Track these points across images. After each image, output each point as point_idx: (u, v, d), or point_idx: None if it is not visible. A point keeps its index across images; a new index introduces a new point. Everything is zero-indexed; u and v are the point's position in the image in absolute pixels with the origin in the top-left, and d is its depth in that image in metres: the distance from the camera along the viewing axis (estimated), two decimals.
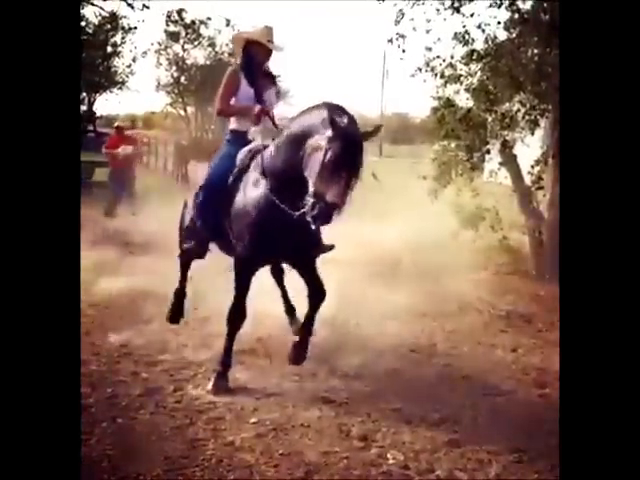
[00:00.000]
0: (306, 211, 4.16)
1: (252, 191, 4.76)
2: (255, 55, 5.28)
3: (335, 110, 4.28)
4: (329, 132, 4.11)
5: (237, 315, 4.87)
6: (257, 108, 5.10)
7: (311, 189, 4.15)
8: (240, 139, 5.21)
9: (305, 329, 5.06)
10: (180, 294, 5.94)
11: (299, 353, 5.05)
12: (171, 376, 5.03)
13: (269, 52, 5.33)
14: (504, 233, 9.66)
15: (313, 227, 4.23)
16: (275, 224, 4.58)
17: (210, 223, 5.08)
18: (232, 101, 5.22)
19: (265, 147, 4.91)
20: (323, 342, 5.52)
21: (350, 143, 4.11)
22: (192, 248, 5.42)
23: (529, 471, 3.85)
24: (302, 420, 4.41)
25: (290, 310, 6.00)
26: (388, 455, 4.01)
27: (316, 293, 4.95)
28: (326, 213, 4.10)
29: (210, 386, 4.78)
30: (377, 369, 5.29)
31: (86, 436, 4.01)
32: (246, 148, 5.07)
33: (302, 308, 5.16)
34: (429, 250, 9.52)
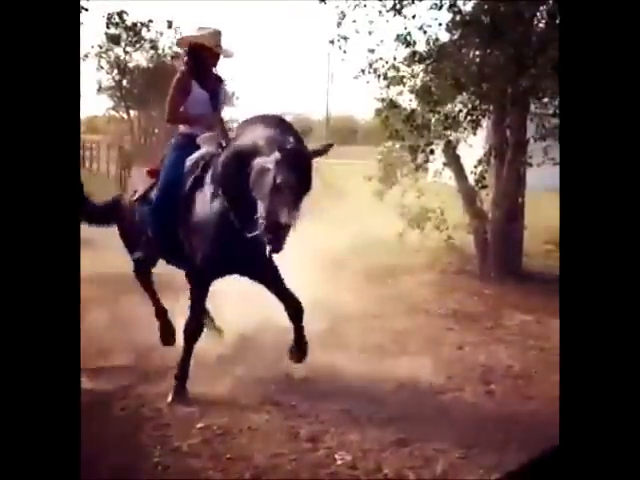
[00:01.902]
0: (260, 234, 4.14)
1: (210, 203, 4.66)
2: (203, 59, 5.14)
3: (280, 129, 4.26)
4: (276, 155, 4.04)
5: (195, 327, 4.78)
6: (212, 118, 5.07)
7: (262, 211, 4.11)
8: (189, 144, 5.04)
9: (298, 339, 4.98)
10: (160, 313, 5.63)
11: (299, 355, 5.04)
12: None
13: (217, 56, 5.20)
14: (449, 233, 9.77)
15: (268, 250, 4.17)
16: (232, 237, 4.50)
17: (163, 233, 4.92)
18: (182, 107, 5.08)
19: (214, 155, 4.81)
20: (272, 344, 5.49)
21: (299, 166, 4.07)
22: (142, 258, 5.23)
23: (475, 467, 3.88)
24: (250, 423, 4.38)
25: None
26: (336, 456, 4.01)
27: (292, 307, 4.90)
28: (280, 235, 4.07)
29: (169, 398, 4.65)
30: (325, 370, 5.28)
31: None
32: (195, 155, 4.93)
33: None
34: (376, 251, 9.59)
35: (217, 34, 5.15)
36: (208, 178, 4.75)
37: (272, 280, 4.90)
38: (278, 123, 4.37)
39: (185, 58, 5.21)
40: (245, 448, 4.08)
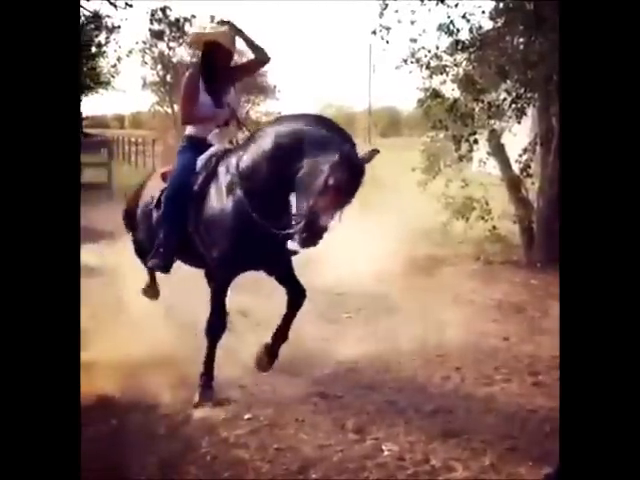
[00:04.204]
0: (295, 232, 4.15)
1: (226, 198, 4.58)
2: (215, 57, 5.01)
3: (336, 132, 4.24)
4: (335, 157, 4.00)
5: (218, 325, 4.71)
6: (224, 115, 4.97)
7: (302, 209, 4.12)
8: (199, 144, 5.00)
9: (280, 333, 4.87)
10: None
11: (268, 359, 4.91)
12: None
13: (230, 54, 5.09)
14: (494, 223, 9.68)
15: (300, 248, 4.25)
16: (251, 232, 4.45)
17: (176, 235, 4.83)
18: (194, 109, 4.97)
19: (228, 151, 4.80)
20: (317, 335, 5.51)
21: (354, 171, 4.06)
22: (158, 265, 5.02)
23: (524, 459, 3.86)
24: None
25: None
26: (383, 447, 4.02)
27: (297, 294, 4.82)
28: (317, 236, 4.12)
29: (196, 399, 4.59)
30: (370, 362, 5.29)
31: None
32: (206, 154, 4.88)
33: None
34: (420, 242, 9.55)
35: (230, 32, 5.01)
36: (222, 172, 4.69)
37: (286, 274, 4.89)
38: (333, 125, 4.35)
39: (197, 58, 5.14)
40: (292, 439, 4.11)
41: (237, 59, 5.23)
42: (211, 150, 4.91)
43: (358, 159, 4.11)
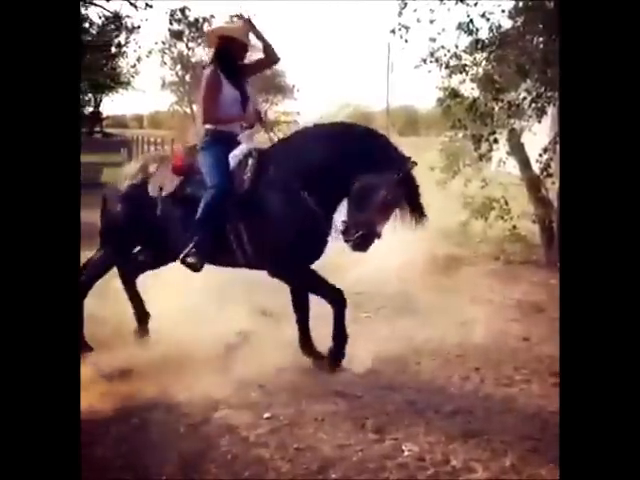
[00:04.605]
0: (348, 238, 4.51)
1: (289, 199, 4.74)
2: (231, 51, 5.04)
3: (392, 147, 4.58)
4: (394, 176, 4.39)
5: (335, 296, 4.91)
6: (249, 116, 5.04)
7: (358, 219, 4.50)
8: (225, 140, 4.99)
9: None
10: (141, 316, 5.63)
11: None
12: None
13: (245, 48, 5.11)
14: (514, 222, 9.63)
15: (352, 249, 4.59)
16: (314, 229, 4.78)
17: (214, 237, 4.83)
18: (218, 107, 4.96)
19: (264, 151, 4.93)
20: None
21: (413, 188, 4.56)
22: (194, 264, 4.91)
23: (545, 460, 3.84)
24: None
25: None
26: (403, 447, 4.02)
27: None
28: (370, 244, 4.55)
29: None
30: (389, 362, 5.29)
31: (100, 436, 4.06)
32: (237, 152, 4.91)
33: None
34: (439, 241, 9.51)
35: (245, 25, 5.04)
36: (272, 172, 4.77)
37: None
38: (387, 141, 4.66)
39: (212, 54, 5.13)
40: (312, 439, 4.12)
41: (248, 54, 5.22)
42: (243, 148, 4.93)
43: (413, 174, 4.52)
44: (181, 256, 4.90)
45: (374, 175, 4.41)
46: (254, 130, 5.06)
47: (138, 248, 5.42)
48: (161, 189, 5.05)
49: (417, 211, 4.67)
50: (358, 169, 4.46)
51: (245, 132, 5.03)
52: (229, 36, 5.02)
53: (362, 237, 4.48)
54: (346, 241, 4.55)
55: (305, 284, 4.99)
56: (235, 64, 5.08)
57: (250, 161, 4.84)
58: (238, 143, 4.98)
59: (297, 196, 4.69)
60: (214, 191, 4.78)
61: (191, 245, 4.85)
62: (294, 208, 4.70)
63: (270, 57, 5.22)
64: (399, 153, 4.56)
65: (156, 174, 5.17)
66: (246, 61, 5.24)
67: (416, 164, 4.57)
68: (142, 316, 5.61)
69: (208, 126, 5.04)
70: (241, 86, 5.06)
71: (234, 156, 4.89)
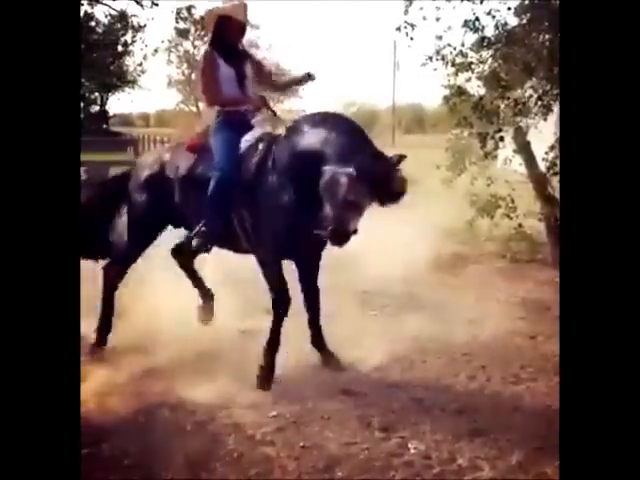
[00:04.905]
0: (324, 235, 4.23)
1: (278, 190, 4.61)
2: (228, 31, 5.03)
3: (355, 138, 4.25)
4: (349, 170, 4.06)
5: (283, 301, 4.78)
6: (254, 100, 5.02)
7: (329, 215, 4.19)
8: (239, 122, 4.97)
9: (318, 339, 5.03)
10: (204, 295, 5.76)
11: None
12: None
13: (243, 28, 5.13)
14: (519, 221, 9.62)
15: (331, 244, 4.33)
16: (298, 224, 4.55)
17: (222, 219, 4.83)
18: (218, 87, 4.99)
19: (273, 138, 4.80)
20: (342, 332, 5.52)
21: (373, 182, 4.10)
22: (201, 245, 4.98)
23: (551, 459, 3.83)
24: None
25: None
26: (409, 445, 4.02)
27: (311, 291, 4.94)
28: (345, 240, 4.21)
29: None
30: (395, 360, 5.29)
31: (107, 434, 4.07)
32: (250, 137, 4.88)
33: None
34: (445, 240, 9.51)
35: (243, 4, 5.06)
36: (270, 164, 4.70)
37: (315, 272, 5.01)
38: (352, 130, 4.35)
39: (210, 34, 5.11)
40: (318, 437, 4.12)
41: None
42: (256, 133, 4.91)
43: (378, 167, 4.10)
44: (188, 238, 4.99)
45: (335, 168, 4.15)
46: (267, 116, 5.03)
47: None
48: (177, 168, 5.12)
49: (391, 201, 4.30)
50: (323, 164, 4.23)
51: (258, 117, 5.00)
52: (227, 16, 5.02)
53: (333, 232, 4.18)
54: (322, 236, 4.29)
55: (267, 276, 4.84)
56: (233, 44, 5.10)
57: (260, 146, 4.80)
58: (251, 127, 4.97)
59: (283, 186, 4.58)
60: (219, 175, 4.80)
61: (198, 227, 4.89)
62: (279, 198, 4.59)
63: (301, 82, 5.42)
64: (363, 144, 4.25)
65: (172, 158, 5.25)
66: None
67: (405, 157, 4.27)
68: (206, 296, 5.72)
69: (217, 107, 5.08)
70: (237, 66, 5.05)
71: (245, 140, 4.88)
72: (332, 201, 4.16)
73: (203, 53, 5.12)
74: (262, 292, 4.96)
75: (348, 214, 4.15)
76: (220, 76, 4.97)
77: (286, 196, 4.56)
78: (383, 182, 4.13)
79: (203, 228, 4.87)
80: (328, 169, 4.18)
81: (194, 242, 4.94)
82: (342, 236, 4.19)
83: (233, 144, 4.88)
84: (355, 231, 4.23)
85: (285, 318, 4.80)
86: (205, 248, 4.97)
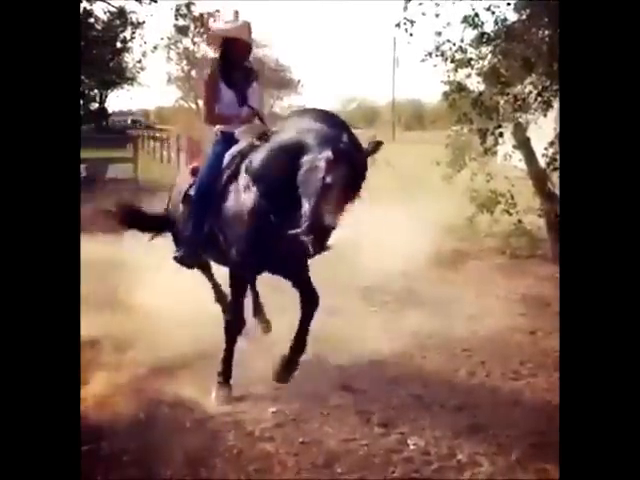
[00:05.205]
0: (301, 232, 3.87)
1: (243, 196, 4.49)
2: (234, 53, 5.01)
3: (331, 124, 4.07)
4: (328, 153, 3.82)
5: (236, 324, 4.69)
6: (245, 113, 4.97)
7: (306, 211, 3.88)
8: (228, 140, 4.96)
9: (298, 343, 4.62)
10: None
11: (287, 370, 4.65)
12: None
13: (249, 49, 5.12)
14: (519, 216, 9.62)
15: (310, 251, 3.92)
16: (268, 231, 4.29)
17: (203, 231, 4.79)
18: (216, 108, 4.98)
19: (253, 147, 4.63)
20: (342, 330, 5.52)
21: (351, 166, 3.83)
22: (182, 256, 5.00)
23: (551, 455, 3.83)
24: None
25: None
26: (408, 441, 4.02)
27: (310, 300, 4.65)
28: (323, 237, 3.85)
29: (212, 398, 4.57)
30: (395, 356, 5.29)
31: (107, 431, 4.07)
32: (233, 150, 4.82)
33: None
34: (445, 236, 9.51)
35: (247, 26, 5.03)
36: (243, 169, 4.60)
37: (302, 279, 4.72)
38: (328, 117, 4.19)
39: (216, 55, 5.11)
40: (317, 433, 4.12)
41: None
42: (237, 147, 4.85)
43: (356, 152, 3.91)
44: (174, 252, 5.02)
45: (314, 156, 3.92)
46: (253, 125, 4.99)
47: None
48: (180, 193, 5.21)
49: (353, 193, 3.93)
50: (303, 156, 4.01)
51: (241, 128, 4.96)
52: (233, 37, 4.99)
53: (309, 227, 3.81)
54: (299, 235, 3.89)
55: (232, 288, 4.71)
56: (237, 65, 5.06)
57: (237, 159, 4.74)
58: (237, 141, 4.93)
59: (252, 198, 4.42)
60: (197, 187, 4.87)
61: (181, 241, 4.99)
62: (248, 211, 4.44)
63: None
64: (340, 128, 4.03)
65: (177, 182, 5.42)
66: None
67: (382, 143, 4.03)
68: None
69: (217, 126, 5.10)
70: (239, 87, 5.02)
71: (229, 154, 4.84)
72: (310, 190, 3.89)
73: (207, 74, 5.15)
74: (265, 293, 4.96)
75: (326, 204, 3.80)
76: (221, 99, 4.98)
77: (254, 201, 4.40)
78: (360, 167, 3.93)
79: (185, 242, 4.95)
80: (306, 159, 3.99)
81: (177, 253, 5.01)
82: (320, 231, 3.83)
83: (217, 159, 4.88)
84: (333, 228, 3.86)
85: (238, 338, 4.70)
86: (185, 261, 5.00)
